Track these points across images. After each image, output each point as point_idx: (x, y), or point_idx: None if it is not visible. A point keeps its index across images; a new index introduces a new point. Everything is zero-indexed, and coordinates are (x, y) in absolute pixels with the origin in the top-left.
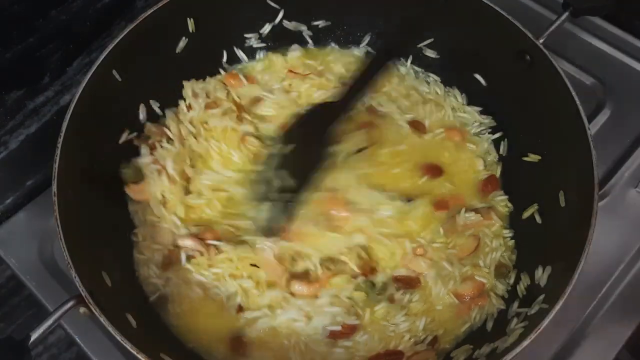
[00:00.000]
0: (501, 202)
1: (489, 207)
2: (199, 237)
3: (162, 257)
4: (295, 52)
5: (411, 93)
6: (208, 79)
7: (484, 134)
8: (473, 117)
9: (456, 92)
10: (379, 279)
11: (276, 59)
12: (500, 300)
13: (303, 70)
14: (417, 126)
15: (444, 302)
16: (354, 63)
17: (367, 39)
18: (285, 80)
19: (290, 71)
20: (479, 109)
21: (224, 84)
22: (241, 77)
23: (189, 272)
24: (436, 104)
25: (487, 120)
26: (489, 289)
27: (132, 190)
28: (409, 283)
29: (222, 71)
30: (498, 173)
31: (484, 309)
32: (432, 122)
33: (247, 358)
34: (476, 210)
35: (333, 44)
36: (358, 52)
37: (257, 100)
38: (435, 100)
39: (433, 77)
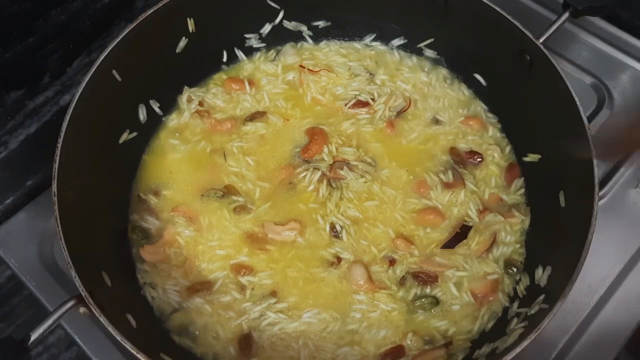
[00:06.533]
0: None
1: (510, 206)
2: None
3: (189, 284)
4: (290, 58)
5: (421, 87)
6: (210, 85)
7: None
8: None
9: (463, 86)
10: (399, 272)
11: (267, 68)
12: (506, 297)
13: (312, 66)
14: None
15: (461, 301)
16: (354, 54)
17: (368, 38)
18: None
19: (302, 66)
20: (485, 107)
21: (225, 87)
22: (245, 82)
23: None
24: (449, 97)
25: (493, 119)
26: (499, 283)
27: (146, 253)
28: (427, 280)
29: (223, 75)
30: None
31: (491, 307)
32: (450, 114)
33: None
34: (498, 211)
35: (333, 42)
36: (358, 45)
37: (258, 115)
38: (445, 94)
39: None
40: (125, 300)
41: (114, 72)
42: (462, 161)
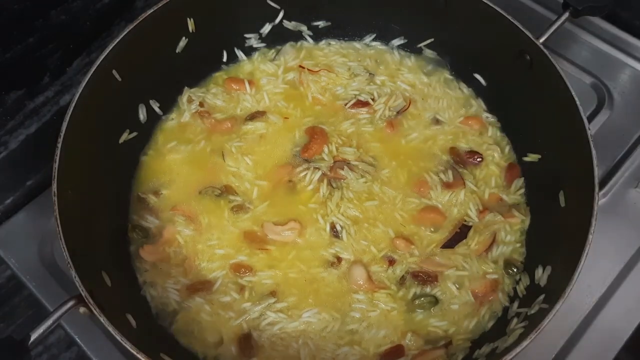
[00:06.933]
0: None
1: (510, 206)
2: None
3: (189, 282)
4: (290, 58)
5: (421, 87)
6: (210, 85)
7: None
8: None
9: (463, 86)
10: (398, 272)
11: (267, 68)
12: (506, 297)
13: (312, 66)
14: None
15: (461, 301)
16: (354, 54)
17: (368, 38)
18: (295, 76)
19: (301, 66)
20: (485, 107)
21: (226, 87)
22: (245, 82)
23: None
24: (448, 98)
25: (492, 119)
26: (499, 283)
27: (146, 253)
28: (426, 280)
29: (223, 75)
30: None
31: (491, 306)
32: (449, 114)
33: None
34: (498, 211)
35: (333, 42)
36: (358, 45)
37: (258, 114)
38: (444, 93)
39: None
40: (125, 300)
41: (114, 72)
42: (462, 161)
